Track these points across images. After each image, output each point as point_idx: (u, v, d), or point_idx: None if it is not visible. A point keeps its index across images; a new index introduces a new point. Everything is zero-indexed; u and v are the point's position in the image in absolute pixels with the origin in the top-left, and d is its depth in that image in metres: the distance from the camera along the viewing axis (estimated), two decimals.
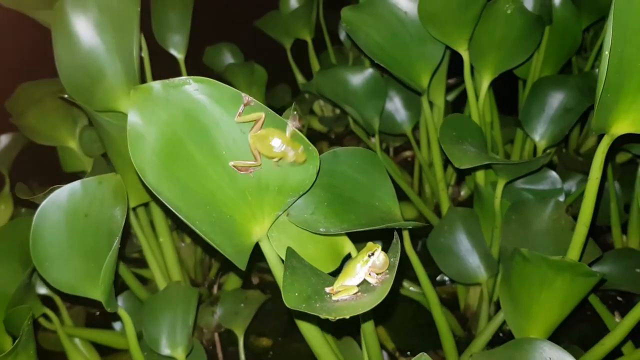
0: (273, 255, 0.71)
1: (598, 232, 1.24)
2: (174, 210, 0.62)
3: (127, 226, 0.78)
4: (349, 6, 1.04)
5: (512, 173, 0.96)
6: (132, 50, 0.91)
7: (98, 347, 1.10)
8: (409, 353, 1.11)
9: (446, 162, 1.33)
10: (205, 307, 1.18)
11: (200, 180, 0.65)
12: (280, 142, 0.65)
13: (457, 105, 1.49)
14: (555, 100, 1.13)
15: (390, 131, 1.32)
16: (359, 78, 1.22)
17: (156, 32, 1.25)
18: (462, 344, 1.02)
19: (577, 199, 1.13)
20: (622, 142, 0.96)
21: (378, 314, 0.77)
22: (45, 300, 1.01)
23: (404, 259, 0.75)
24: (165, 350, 0.91)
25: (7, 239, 0.94)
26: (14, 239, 0.93)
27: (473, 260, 1.03)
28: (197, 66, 1.54)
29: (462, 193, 1.45)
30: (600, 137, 0.70)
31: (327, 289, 0.64)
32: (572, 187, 1.17)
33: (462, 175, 1.44)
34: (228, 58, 1.62)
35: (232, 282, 1.23)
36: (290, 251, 0.69)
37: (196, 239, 1.29)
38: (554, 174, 1.03)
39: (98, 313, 1.24)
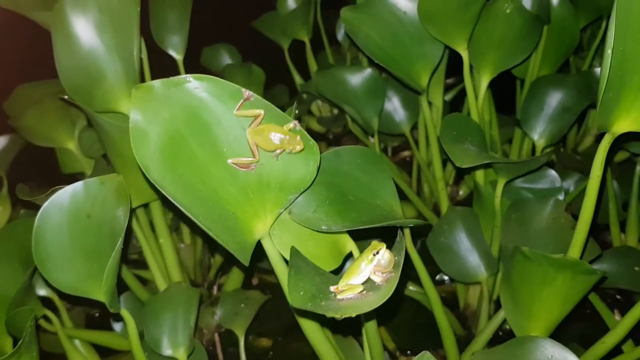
0: (275, 253, 0.71)
1: (596, 230, 1.24)
2: (178, 206, 0.62)
3: (127, 227, 0.77)
4: (348, 6, 1.04)
5: (513, 172, 0.96)
6: (132, 51, 0.91)
7: (98, 348, 1.10)
8: (409, 352, 1.11)
9: (445, 162, 1.34)
10: (205, 307, 1.18)
11: (202, 177, 0.65)
12: (279, 133, 0.65)
13: (455, 105, 1.49)
14: (554, 99, 1.13)
15: (389, 131, 1.32)
16: (358, 78, 1.22)
17: (155, 33, 1.25)
18: (461, 343, 1.02)
19: (575, 197, 1.13)
20: (622, 141, 0.96)
21: (379, 314, 0.78)
22: (45, 302, 1.00)
23: (404, 258, 0.75)
24: (167, 351, 0.91)
25: (6, 241, 0.94)
26: (13, 241, 0.93)
27: (473, 259, 1.03)
28: (196, 67, 1.54)
29: (461, 192, 1.45)
30: (598, 137, 0.71)
31: (332, 288, 0.64)
32: (570, 186, 1.18)
33: (461, 174, 1.44)
34: (226, 59, 1.62)
35: (232, 282, 1.23)
36: (294, 250, 0.69)
37: (196, 239, 1.29)
38: (553, 172, 1.03)
39: (97, 314, 1.24)
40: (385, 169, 0.80)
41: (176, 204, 0.62)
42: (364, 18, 1.03)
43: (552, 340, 0.71)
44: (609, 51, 0.61)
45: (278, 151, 0.67)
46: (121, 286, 1.07)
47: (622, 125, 0.68)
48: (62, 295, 1.05)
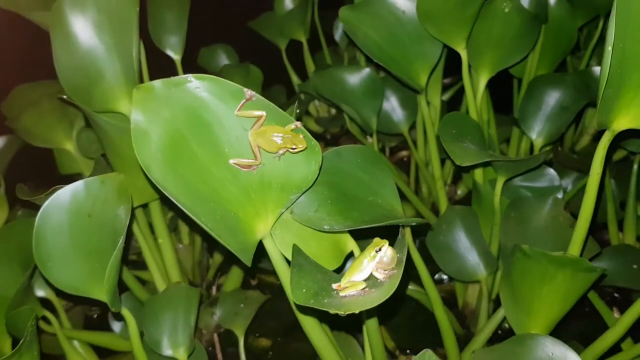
0: (277, 253, 0.71)
1: (594, 229, 1.25)
2: (180, 207, 0.62)
3: (128, 227, 0.78)
4: (347, 6, 1.04)
5: (512, 170, 0.97)
6: (131, 51, 0.91)
7: (97, 349, 1.10)
8: (408, 351, 1.11)
9: (442, 161, 1.34)
10: (204, 308, 1.18)
11: (203, 177, 0.65)
12: (281, 133, 0.65)
13: (452, 105, 1.49)
14: (552, 98, 1.13)
15: (387, 131, 1.32)
16: (356, 77, 1.23)
17: (153, 33, 1.25)
18: (461, 342, 1.02)
19: (573, 196, 1.14)
20: (620, 139, 0.97)
21: (379, 313, 0.78)
22: (43, 303, 1.00)
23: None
24: (167, 351, 0.90)
25: (5, 241, 0.93)
26: (12, 241, 0.93)
27: (472, 258, 1.04)
28: (193, 67, 1.53)
29: (459, 192, 1.45)
30: (595, 136, 0.71)
31: (334, 285, 0.64)
32: (568, 185, 1.18)
33: (459, 174, 1.44)
34: (223, 59, 1.62)
35: (231, 282, 1.23)
36: (296, 248, 0.69)
37: (194, 239, 1.29)
38: (551, 171, 1.03)
39: (95, 316, 1.24)
40: (385, 168, 0.80)
41: (178, 204, 0.62)
42: (362, 17, 1.03)
43: (553, 337, 0.72)
44: (610, 48, 0.61)
45: (281, 151, 0.66)
46: (120, 287, 1.08)
47: (622, 122, 0.68)
48: (60, 295, 1.05)
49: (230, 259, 1.27)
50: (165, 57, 1.27)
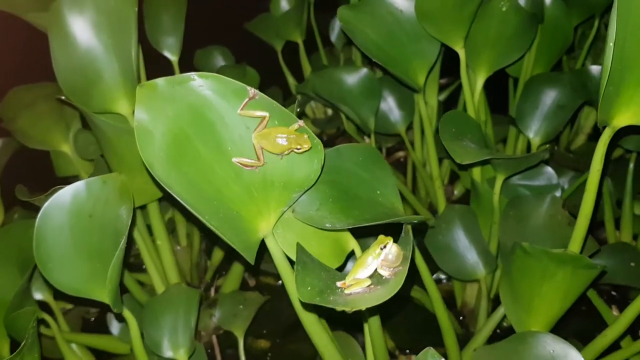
0: (279, 252, 0.71)
1: (591, 227, 1.25)
2: (184, 205, 0.61)
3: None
4: (345, 5, 1.04)
5: (512, 168, 0.97)
6: (130, 51, 0.91)
7: (95, 352, 1.09)
8: (407, 351, 1.11)
9: (440, 161, 1.34)
10: (203, 309, 1.17)
11: (206, 176, 0.65)
12: (285, 135, 0.65)
13: (448, 105, 1.50)
14: (549, 97, 1.14)
15: (384, 131, 1.32)
16: (354, 78, 1.23)
17: (150, 34, 1.25)
18: (460, 342, 1.02)
19: (570, 195, 1.14)
20: (617, 137, 0.97)
21: (382, 312, 0.78)
22: (41, 306, 0.99)
23: None
24: (167, 353, 0.90)
25: (3, 244, 0.93)
26: (10, 244, 0.92)
27: (471, 257, 1.04)
28: (190, 68, 1.52)
29: (456, 192, 1.46)
30: (591, 135, 0.71)
31: (339, 283, 0.64)
32: (564, 184, 1.19)
33: (455, 174, 1.45)
34: (219, 61, 1.61)
35: (230, 284, 1.23)
36: (300, 247, 0.69)
37: (192, 241, 1.29)
38: (549, 169, 1.04)
39: (93, 319, 1.23)
40: (385, 167, 0.80)
41: (183, 202, 0.61)
42: (361, 17, 1.03)
43: (553, 335, 0.72)
44: (611, 44, 0.62)
45: (286, 152, 0.66)
46: (120, 289, 1.07)
47: (622, 119, 0.69)
48: (58, 297, 1.05)
49: (229, 260, 1.26)
50: (162, 59, 1.27)
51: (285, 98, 1.68)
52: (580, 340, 0.92)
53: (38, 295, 1.01)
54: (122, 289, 1.06)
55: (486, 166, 1.05)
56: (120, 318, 0.96)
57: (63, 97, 0.91)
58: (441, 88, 1.48)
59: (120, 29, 0.91)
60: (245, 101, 0.65)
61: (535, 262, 0.77)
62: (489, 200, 1.01)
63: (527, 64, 1.22)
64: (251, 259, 0.67)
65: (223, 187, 0.66)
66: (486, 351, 0.82)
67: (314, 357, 1.04)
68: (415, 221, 0.72)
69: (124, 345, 1.08)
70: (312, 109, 1.74)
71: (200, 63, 1.61)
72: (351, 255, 0.77)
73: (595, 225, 1.26)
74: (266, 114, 0.65)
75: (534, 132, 1.14)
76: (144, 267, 1.20)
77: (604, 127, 0.71)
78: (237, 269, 1.23)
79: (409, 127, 1.34)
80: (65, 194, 0.75)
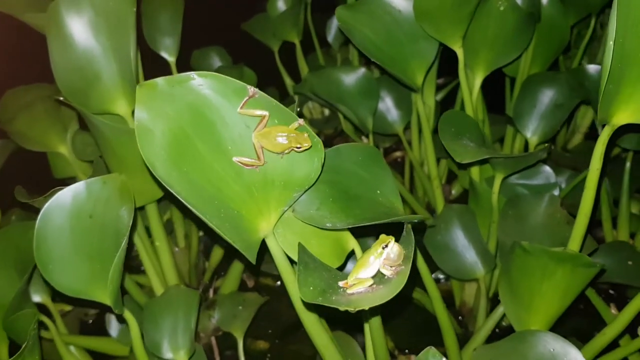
0: (279, 252, 0.71)
1: (589, 226, 1.26)
2: (186, 204, 0.61)
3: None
4: (343, 5, 1.04)
5: (510, 167, 0.97)
6: (129, 52, 0.90)
7: (93, 354, 1.09)
8: (407, 351, 1.11)
9: (437, 161, 1.34)
10: (202, 311, 1.17)
11: (207, 175, 0.65)
12: (285, 134, 0.65)
13: (445, 105, 1.49)
14: (546, 96, 1.14)
15: (382, 131, 1.32)
16: (352, 77, 1.23)
17: (147, 35, 1.25)
18: (459, 341, 1.02)
19: (568, 194, 1.15)
20: (615, 136, 0.98)
21: (382, 313, 0.78)
22: (39, 309, 0.99)
23: None
24: (167, 354, 0.90)
25: (1, 246, 0.92)
26: (8, 246, 0.92)
27: (470, 256, 1.04)
28: (187, 69, 1.52)
29: (453, 192, 1.46)
30: (588, 134, 0.71)
31: (341, 283, 0.64)
32: (562, 183, 1.19)
33: (453, 174, 1.45)
34: (216, 61, 1.61)
35: (228, 285, 1.22)
36: (301, 247, 0.69)
37: (191, 242, 1.28)
38: (547, 168, 1.04)
39: (91, 321, 1.23)
40: (384, 166, 0.80)
41: (184, 202, 0.61)
42: (359, 16, 1.03)
43: (553, 333, 0.72)
44: (611, 42, 0.62)
45: (286, 151, 0.66)
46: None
47: (621, 117, 0.69)
48: (57, 299, 1.04)
49: (228, 261, 1.26)
50: (159, 59, 1.27)
51: (282, 99, 1.68)
52: (579, 338, 0.92)
53: (36, 298, 1.00)
54: (121, 291, 1.07)
55: (485, 165, 1.05)
56: (121, 319, 0.96)
57: (61, 98, 0.91)
58: (438, 88, 1.49)
59: (119, 30, 0.91)
60: (245, 100, 0.65)
61: (534, 260, 0.77)
62: (488, 199, 1.01)
63: (524, 63, 1.22)
64: (252, 259, 0.67)
65: (224, 186, 0.66)
66: (486, 350, 0.82)
67: (314, 358, 1.04)
68: (415, 220, 0.72)
69: (122, 347, 1.08)
70: (309, 110, 1.74)
71: (197, 63, 1.61)
72: (351, 255, 0.77)
73: (593, 224, 1.26)
74: (266, 112, 0.65)
75: (532, 131, 1.15)
76: (142, 268, 1.20)
77: (603, 126, 0.71)
78: (235, 270, 1.23)
79: (407, 127, 1.35)
80: (65, 195, 0.75)
